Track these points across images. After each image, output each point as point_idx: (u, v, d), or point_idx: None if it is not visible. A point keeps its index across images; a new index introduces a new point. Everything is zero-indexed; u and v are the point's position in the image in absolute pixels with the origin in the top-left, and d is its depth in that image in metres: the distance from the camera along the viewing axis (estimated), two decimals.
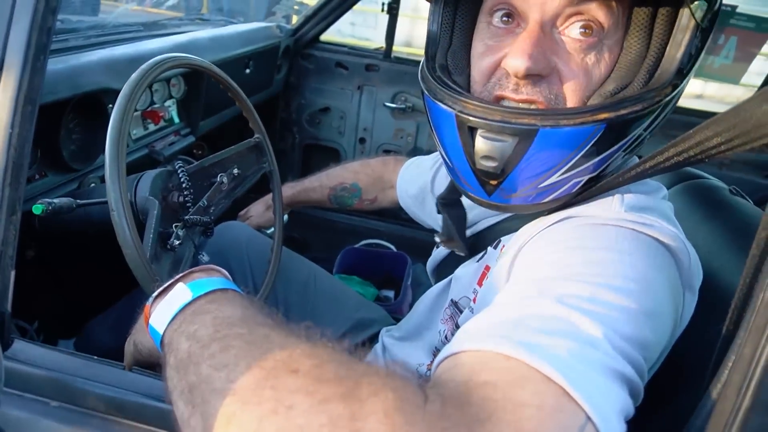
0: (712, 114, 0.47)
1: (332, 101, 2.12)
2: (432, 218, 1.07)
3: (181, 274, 0.55)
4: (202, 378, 0.40)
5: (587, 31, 0.58)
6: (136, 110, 1.28)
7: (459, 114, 0.59)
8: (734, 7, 1.77)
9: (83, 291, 1.30)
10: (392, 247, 2.01)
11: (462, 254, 0.82)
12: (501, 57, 0.61)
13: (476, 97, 0.62)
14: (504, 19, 0.62)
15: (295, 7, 2.47)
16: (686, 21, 0.57)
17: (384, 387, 0.36)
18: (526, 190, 0.61)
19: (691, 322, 0.74)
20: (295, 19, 2.16)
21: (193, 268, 0.57)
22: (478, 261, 0.77)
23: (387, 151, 2.13)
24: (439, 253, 0.90)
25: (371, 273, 1.79)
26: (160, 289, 0.54)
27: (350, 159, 2.17)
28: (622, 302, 0.47)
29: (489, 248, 0.75)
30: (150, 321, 0.52)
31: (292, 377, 0.37)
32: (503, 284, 0.61)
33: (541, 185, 0.61)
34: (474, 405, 0.36)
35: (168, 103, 1.40)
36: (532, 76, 0.58)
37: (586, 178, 0.61)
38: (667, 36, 0.59)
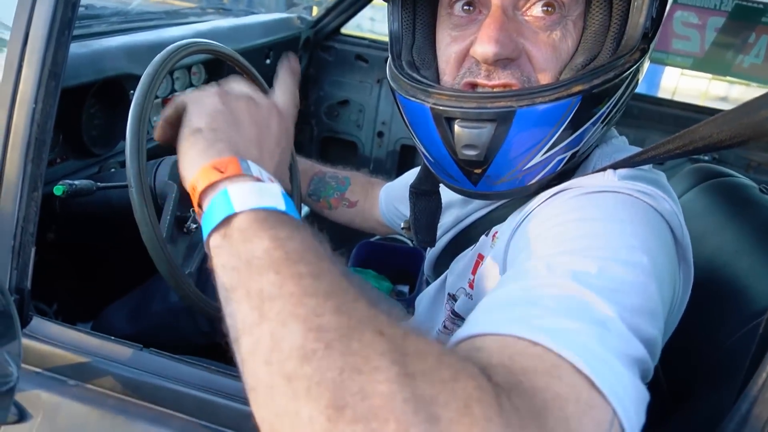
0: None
1: (351, 94, 2.11)
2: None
3: (259, 175, 0.46)
4: (282, 292, 0.37)
5: (549, 9, 0.59)
6: (156, 97, 1.29)
7: (434, 106, 0.59)
8: (766, 5, 1.72)
9: (102, 276, 1.31)
10: (408, 241, 1.99)
11: (418, 246, 0.82)
12: (468, 45, 0.61)
13: (449, 87, 0.62)
14: (465, 8, 0.62)
15: None
16: None
17: (463, 371, 0.34)
18: (512, 174, 0.62)
19: (724, 322, 0.72)
20: (315, 11, 2.15)
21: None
22: (471, 251, 0.77)
23: (405, 146, 2.11)
24: (434, 252, 0.89)
25: (386, 267, 1.78)
26: (250, 171, 0.46)
27: (368, 152, 2.17)
28: (629, 275, 0.47)
29: (482, 237, 0.75)
30: (227, 185, 0.43)
31: (379, 339, 0.34)
32: (500, 268, 0.61)
33: (526, 167, 0.61)
34: (529, 397, 0.34)
35: (188, 91, 1.40)
36: (501, 61, 0.58)
37: (569, 153, 0.61)
38: (627, 3, 0.59)
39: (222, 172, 0.45)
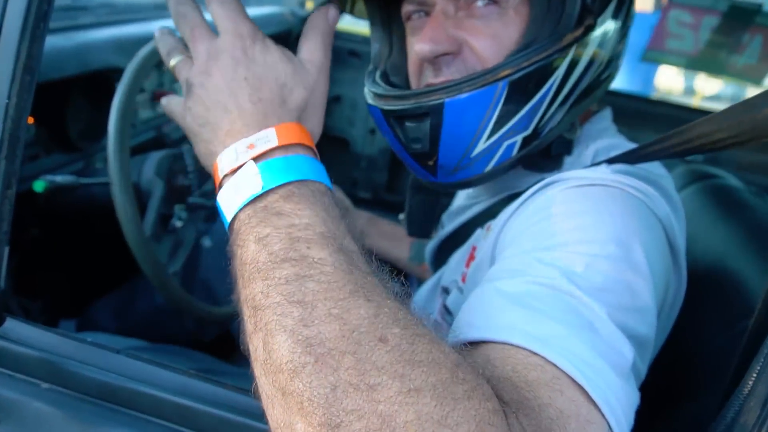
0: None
1: (343, 90, 2.10)
2: None
3: (252, 141, 0.44)
4: (269, 302, 0.35)
5: (488, 1, 0.59)
6: (144, 91, 1.27)
7: (383, 107, 0.63)
8: (759, 5, 1.72)
9: (87, 272, 1.29)
10: None
11: (411, 236, 0.87)
12: None
13: (393, 89, 0.66)
14: (418, 15, 0.65)
15: None
16: None
17: (477, 389, 0.32)
18: (462, 163, 0.63)
19: (710, 325, 0.71)
20: (310, 5, 2.14)
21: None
22: (468, 244, 0.77)
23: None
24: (433, 245, 0.90)
25: None
26: (232, 158, 0.44)
27: (360, 150, 2.15)
28: (616, 272, 0.46)
29: (478, 229, 0.75)
30: (218, 196, 0.44)
31: (379, 348, 0.32)
32: (489, 261, 0.61)
33: (473, 154, 0.61)
34: (536, 415, 0.35)
35: (177, 85, 1.38)
36: (443, 57, 0.60)
37: (519, 137, 0.61)
38: None
39: (216, 174, 0.46)
